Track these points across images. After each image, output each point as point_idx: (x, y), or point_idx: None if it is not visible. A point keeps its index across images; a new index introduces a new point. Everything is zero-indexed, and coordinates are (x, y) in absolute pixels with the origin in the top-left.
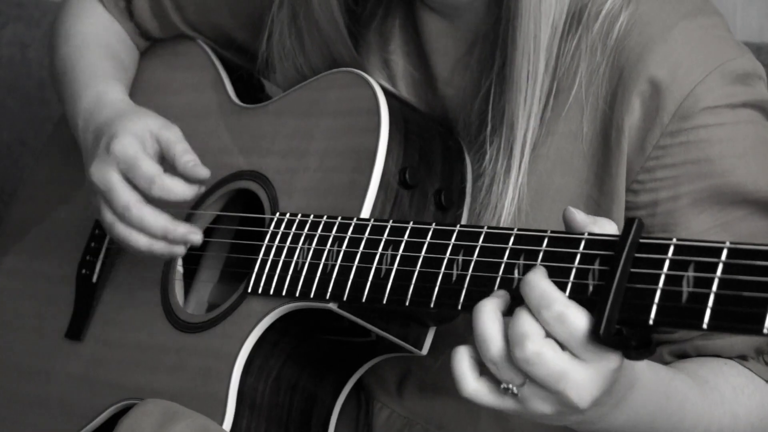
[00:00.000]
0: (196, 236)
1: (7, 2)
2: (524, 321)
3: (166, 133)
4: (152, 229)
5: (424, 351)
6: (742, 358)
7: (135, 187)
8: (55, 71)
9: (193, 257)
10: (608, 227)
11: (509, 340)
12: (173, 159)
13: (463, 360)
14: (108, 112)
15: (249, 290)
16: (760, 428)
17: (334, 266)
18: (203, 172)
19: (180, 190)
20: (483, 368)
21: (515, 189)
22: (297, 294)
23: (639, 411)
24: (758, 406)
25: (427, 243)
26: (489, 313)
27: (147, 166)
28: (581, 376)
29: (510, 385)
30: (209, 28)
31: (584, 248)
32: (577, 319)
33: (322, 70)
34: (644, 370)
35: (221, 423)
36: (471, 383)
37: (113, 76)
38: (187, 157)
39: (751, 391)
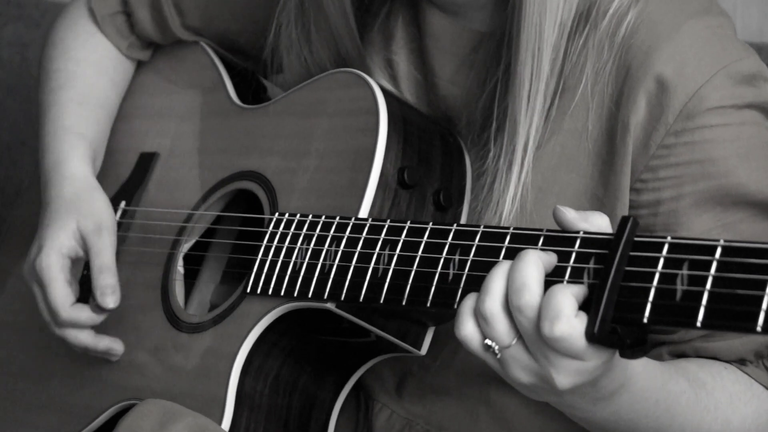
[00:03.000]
0: (117, 346)
1: (7, 2)
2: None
3: (94, 240)
4: (74, 346)
5: (423, 351)
6: (740, 361)
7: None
8: (38, 104)
9: (195, 258)
10: (599, 221)
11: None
12: (91, 272)
13: (468, 300)
14: (55, 194)
15: (248, 290)
16: None
17: (332, 266)
18: (109, 303)
19: (84, 318)
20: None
21: (516, 186)
22: (295, 294)
23: (622, 410)
24: (754, 415)
25: (424, 242)
26: (505, 266)
27: (57, 295)
28: (574, 365)
29: (493, 344)
30: (212, 34)
31: (579, 247)
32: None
33: (327, 65)
34: (637, 373)
35: (220, 423)
36: (469, 327)
37: (78, 133)
38: (101, 280)
39: (749, 398)
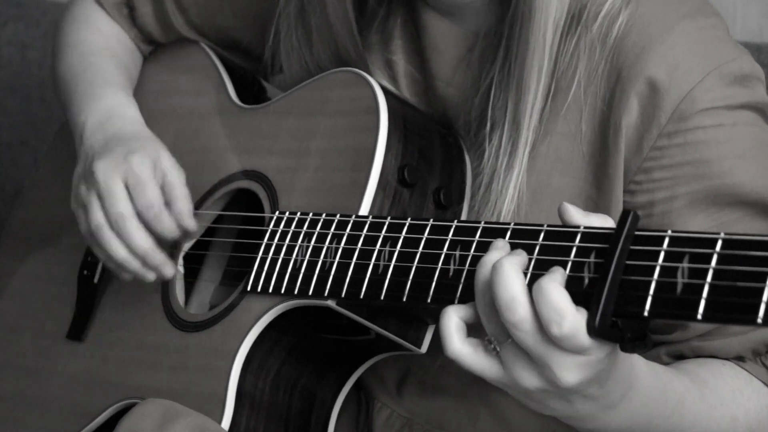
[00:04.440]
0: (169, 270)
1: (7, 2)
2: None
3: (174, 173)
4: (136, 246)
5: (423, 349)
6: (738, 359)
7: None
8: (60, 78)
9: (196, 257)
10: (603, 224)
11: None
12: (170, 200)
13: (451, 319)
14: (127, 126)
15: (248, 288)
16: (758, 431)
17: (332, 263)
18: (191, 225)
19: (169, 228)
20: (470, 331)
21: (516, 186)
22: (296, 291)
23: (635, 414)
24: (756, 409)
25: (424, 239)
26: (491, 263)
27: (153, 192)
28: (576, 360)
29: (493, 339)
30: (213, 31)
31: (580, 241)
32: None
33: (327, 66)
34: (643, 372)
35: (220, 422)
36: (456, 342)
37: (124, 87)
38: (183, 204)
39: (749, 394)
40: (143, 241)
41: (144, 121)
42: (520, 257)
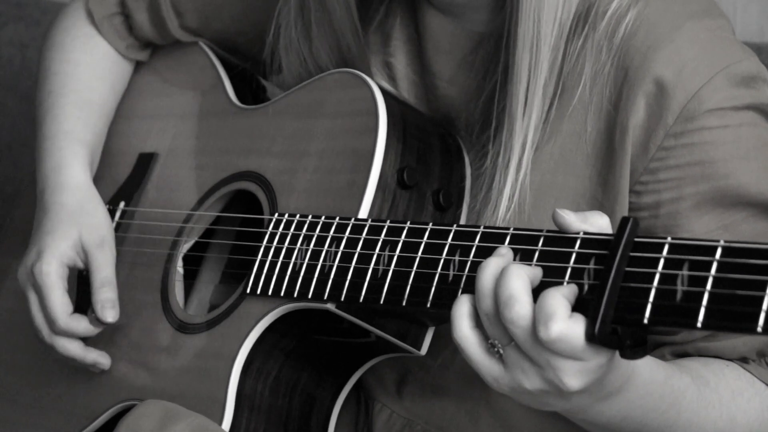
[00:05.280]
0: (104, 365)
1: (7, 2)
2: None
3: (95, 254)
4: (63, 353)
5: (423, 351)
6: (743, 360)
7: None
8: (34, 114)
9: (194, 258)
10: (600, 221)
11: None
12: (91, 286)
13: (463, 305)
14: (54, 202)
15: (248, 291)
16: None
17: (331, 267)
18: (109, 317)
19: (81, 329)
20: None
21: (514, 184)
22: (295, 294)
23: (630, 406)
24: (757, 411)
25: (423, 243)
26: (491, 268)
27: (55, 303)
28: (577, 366)
29: (496, 342)
30: (210, 33)
31: (579, 247)
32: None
33: (327, 63)
34: (641, 367)
35: (220, 423)
36: (464, 328)
37: (77, 139)
38: (101, 294)
39: (751, 395)
40: (65, 348)
41: (82, 179)
42: (534, 270)
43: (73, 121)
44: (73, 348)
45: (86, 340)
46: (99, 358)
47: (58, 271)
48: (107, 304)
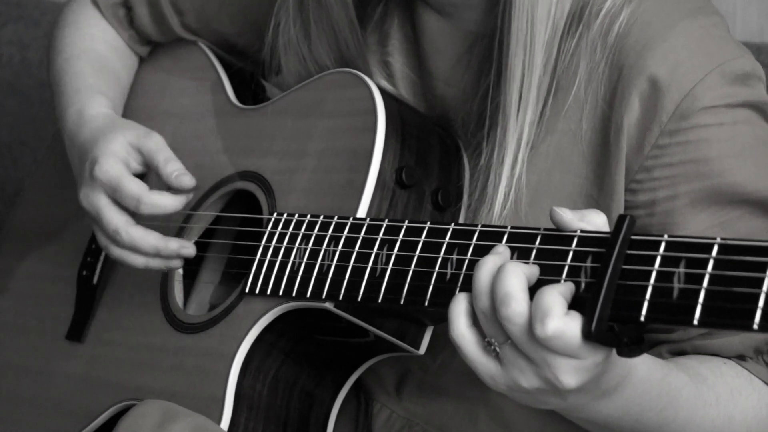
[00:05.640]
0: (188, 250)
1: (7, 2)
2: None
3: (147, 142)
4: (144, 248)
5: (422, 351)
6: (740, 357)
7: (123, 207)
8: (50, 84)
9: (194, 258)
10: (596, 219)
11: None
12: (157, 169)
13: (460, 304)
14: (87, 131)
15: (247, 290)
16: (756, 430)
17: (330, 266)
18: (188, 182)
19: (168, 203)
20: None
21: (509, 181)
22: (294, 294)
23: (628, 404)
24: (755, 408)
25: (422, 242)
26: (488, 266)
27: (131, 187)
28: (573, 364)
29: (493, 340)
30: (209, 34)
31: (576, 246)
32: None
33: (326, 61)
34: (638, 365)
35: (219, 423)
36: (461, 326)
37: (97, 89)
38: (170, 167)
39: (749, 393)
40: (148, 241)
41: (109, 108)
42: (531, 268)
43: (94, 79)
44: (153, 239)
45: (79, 339)
46: (182, 248)
47: (118, 164)
48: (181, 171)
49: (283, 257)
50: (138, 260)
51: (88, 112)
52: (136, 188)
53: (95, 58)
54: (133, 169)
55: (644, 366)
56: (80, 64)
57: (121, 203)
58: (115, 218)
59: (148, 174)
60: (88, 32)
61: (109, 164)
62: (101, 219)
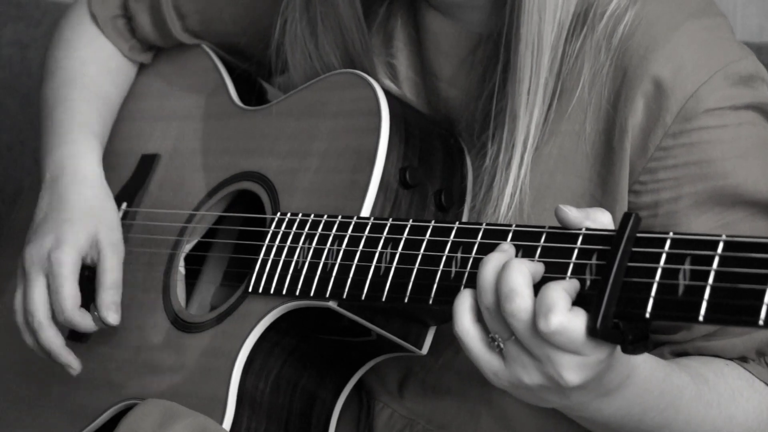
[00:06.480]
0: (73, 371)
1: (7, 2)
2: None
3: (108, 254)
4: (42, 342)
5: (425, 351)
6: (742, 359)
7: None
8: (40, 104)
9: (197, 258)
10: (602, 217)
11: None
12: (97, 286)
13: (465, 300)
14: (73, 192)
15: (249, 290)
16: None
17: (333, 265)
18: (111, 319)
19: (85, 326)
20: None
21: (515, 183)
22: (297, 293)
23: (629, 404)
24: (756, 410)
25: (426, 240)
26: (493, 262)
27: (67, 294)
28: (576, 360)
29: (497, 336)
30: (212, 36)
31: (581, 243)
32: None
33: (333, 59)
34: (641, 365)
35: (221, 422)
36: (466, 322)
37: (90, 130)
38: (106, 296)
39: (750, 395)
40: (50, 339)
41: (98, 172)
42: (535, 265)
43: (87, 114)
44: (57, 342)
45: (81, 339)
46: (73, 361)
47: (75, 262)
48: (112, 306)
49: (286, 256)
50: (28, 340)
51: (81, 165)
52: (69, 299)
53: (86, 84)
54: (90, 262)
55: (646, 366)
56: (73, 93)
57: (50, 291)
58: (38, 304)
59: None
60: (81, 54)
61: (66, 259)
62: (29, 291)
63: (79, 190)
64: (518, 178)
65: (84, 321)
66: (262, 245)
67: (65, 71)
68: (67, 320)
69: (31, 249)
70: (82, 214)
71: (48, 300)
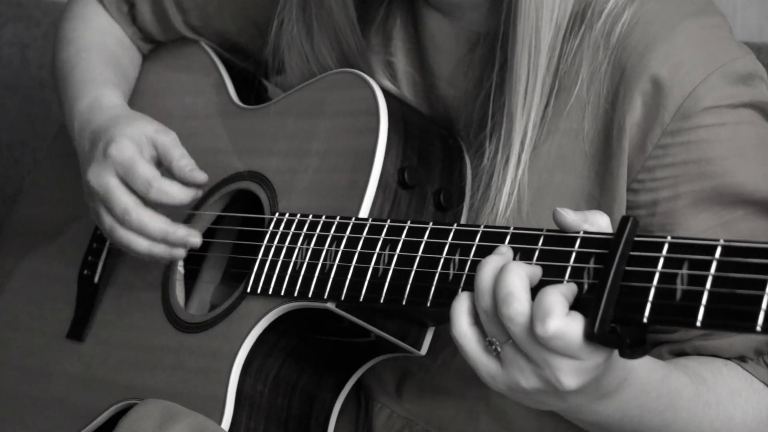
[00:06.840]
0: (195, 239)
1: (7, 2)
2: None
3: (163, 137)
4: (151, 232)
5: (423, 351)
6: (741, 359)
7: (133, 191)
8: (55, 75)
9: (195, 258)
10: (600, 220)
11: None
12: (170, 163)
13: (462, 303)
14: (103, 116)
15: (248, 290)
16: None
17: (332, 266)
18: (200, 177)
19: (177, 193)
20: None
21: (513, 182)
22: (295, 294)
23: (628, 406)
24: (755, 410)
25: (424, 242)
26: (491, 265)
27: (144, 170)
28: (574, 365)
29: (494, 340)
30: (211, 33)
31: (579, 247)
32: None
33: (329, 61)
34: (638, 367)
35: (220, 423)
36: (463, 325)
37: (111, 81)
38: (183, 161)
39: (749, 395)
40: (156, 224)
41: (124, 101)
42: (533, 268)
43: (107, 73)
44: (162, 222)
45: (80, 338)
46: (189, 235)
47: (134, 147)
48: (194, 166)
49: (285, 257)
50: (142, 245)
51: (104, 100)
52: (149, 171)
53: (106, 51)
54: (146, 152)
55: (644, 367)
56: (92, 56)
57: (131, 186)
58: (125, 198)
59: (159, 171)
60: (97, 25)
61: (125, 145)
62: (110, 198)
63: (112, 113)
64: (516, 177)
65: (173, 187)
66: (261, 245)
67: (83, 39)
68: (158, 191)
69: (90, 169)
70: (119, 122)
71: (131, 192)
